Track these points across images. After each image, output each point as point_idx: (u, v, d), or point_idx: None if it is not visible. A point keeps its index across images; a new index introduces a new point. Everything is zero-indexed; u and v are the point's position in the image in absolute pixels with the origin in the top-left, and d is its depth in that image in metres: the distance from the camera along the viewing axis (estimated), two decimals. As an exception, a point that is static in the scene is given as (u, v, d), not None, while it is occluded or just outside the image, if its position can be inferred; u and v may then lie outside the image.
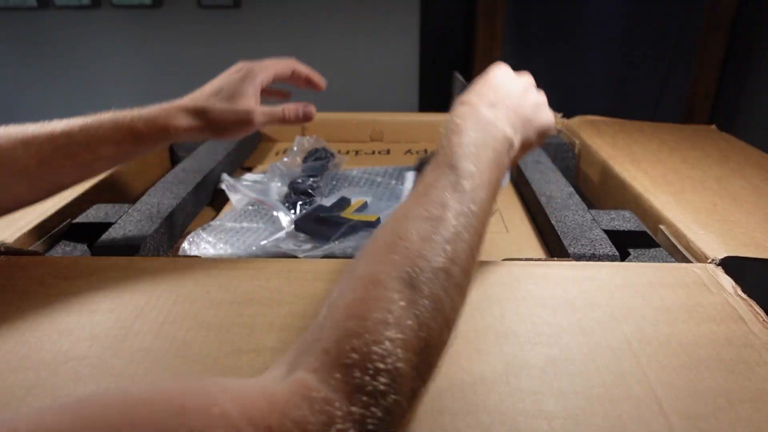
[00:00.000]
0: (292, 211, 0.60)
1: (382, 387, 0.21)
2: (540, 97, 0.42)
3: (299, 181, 0.66)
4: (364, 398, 0.21)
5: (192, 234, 0.55)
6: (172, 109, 0.46)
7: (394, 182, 0.70)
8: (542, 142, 0.43)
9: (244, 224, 0.59)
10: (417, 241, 0.27)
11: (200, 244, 0.54)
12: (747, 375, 0.32)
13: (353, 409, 0.20)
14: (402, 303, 0.24)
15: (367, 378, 0.21)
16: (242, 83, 0.48)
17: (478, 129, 0.35)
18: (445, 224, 0.28)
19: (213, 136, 0.48)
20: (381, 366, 0.22)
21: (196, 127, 0.46)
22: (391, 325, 0.23)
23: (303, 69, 0.56)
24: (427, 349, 0.24)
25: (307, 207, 0.61)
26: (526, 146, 0.40)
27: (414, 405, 0.24)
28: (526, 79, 0.42)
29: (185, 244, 0.54)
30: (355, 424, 0.20)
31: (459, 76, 0.53)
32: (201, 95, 0.48)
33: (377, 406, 0.21)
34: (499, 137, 0.35)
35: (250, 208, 0.62)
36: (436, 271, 0.26)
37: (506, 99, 0.38)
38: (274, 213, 0.59)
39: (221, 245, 0.54)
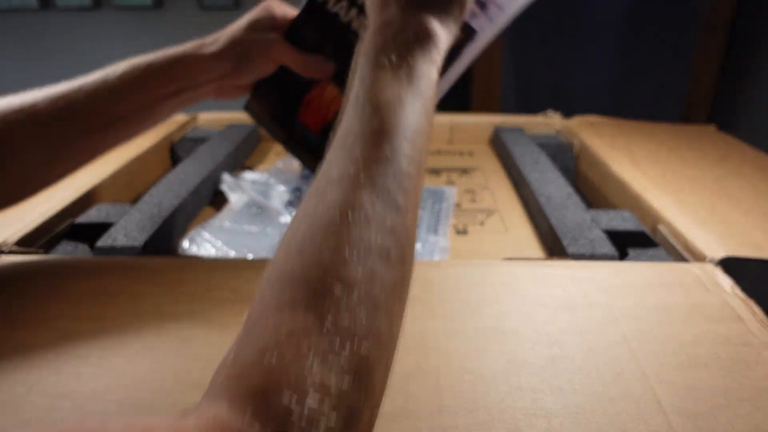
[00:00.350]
0: None
1: (311, 406, 0.17)
2: None
3: (304, 189, 0.66)
4: (290, 422, 0.17)
5: (191, 232, 0.55)
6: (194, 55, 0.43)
7: None
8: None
9: (247, 227, 0.59)
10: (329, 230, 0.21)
11: (201, 243, 0.55)
12: (745, 373, 0.32)
13: None
14: (312, 302, 0.19)
15: (290, 400, 0.17)
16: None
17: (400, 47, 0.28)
18: (378, 193, 0.22)
19: (236, 77, 0.44)
20: (303, 383, 0.17)
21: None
22: (308, 333, 0.19)
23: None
24: (357, 353, 0.19)
25: None
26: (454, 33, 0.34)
27: (361, 427, 0.19)
28: None
29: (185, 243, 0.54)
30: None
31: None
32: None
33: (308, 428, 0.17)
34: (431, 55, 0.29)
35: (253, 210, 0.63)
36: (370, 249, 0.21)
37: None
38: (281, 220, 0.59)
39: (224, 247, 0.54)
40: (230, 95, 0.47)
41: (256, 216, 0.61)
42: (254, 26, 0.44)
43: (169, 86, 0.43)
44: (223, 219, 0.60)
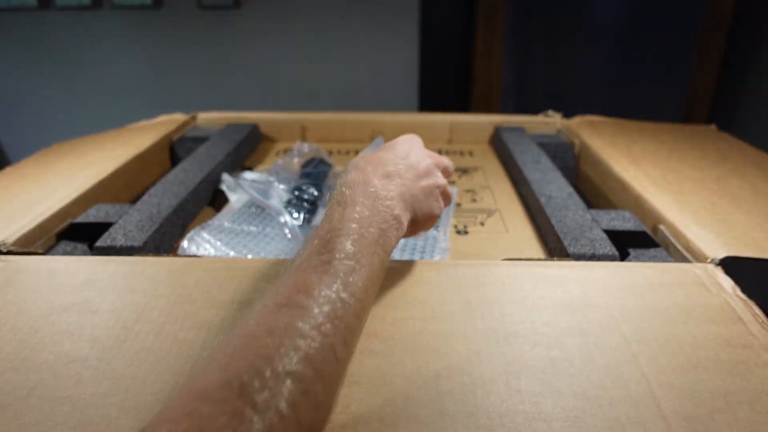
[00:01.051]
0: (296, 216, 0.61)
1: None
2: (439, 181, 0.39)
3: (303, 188, 0.66)
4: None
5: (192, 232, 0.55)
6: None
7: None
8: (428, 228, 0.39)
9: (246, 227, 0.59)
10: (265, 337, 0.22)
11: (201, 243, 0.54)
12: (745, 376, 0.32)
13: None
14: (223, 419, 0.19)
15: None
16: None
17: (367, 204, 0.31)
18: (306, 316, 0.23)
19: None
20: None
21: None
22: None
23: None
24: None
25: (310, 215, 0.61)
26: (414, 228, 0.37)
27: None
28: (435, 160, 0.40)
29: (184, 243, 0.54)
30: None
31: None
32: None
33: None
34: (387, 216, 0.32)
35: (252, 210, 0.62)
36: (280, 378, 0.21)
37: (405, 173, 0.35)
38: (281, 219, 0.59)
39: (223, 247, 0.54)
40: None
41: (256, 216, 0.61)
42: None
43: None
44: (223, 219, 0.60)
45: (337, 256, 0.27)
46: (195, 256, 0.52)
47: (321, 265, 0.26)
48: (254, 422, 0.19)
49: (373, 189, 0.32)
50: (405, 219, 0.34)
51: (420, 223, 0.37)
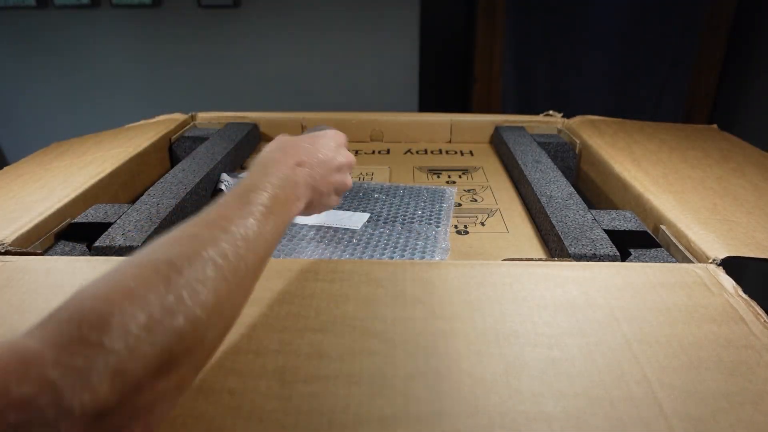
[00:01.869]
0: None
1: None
2: (347, 181, 0.48)
3: None
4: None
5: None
6: None
7: (385, 197, 0.69)
8: (339, 195, 0.48)
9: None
10: (196, 234, 0.29)
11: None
12: (748, 376, 0.32)
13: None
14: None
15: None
16: None
17: (280, 176, 0.38)
18: (225, 232, 0.30)
19: None
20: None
21: None
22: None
23: None
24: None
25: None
26: (316, 203, 0.44)
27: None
28: (349, 160, 0.48)
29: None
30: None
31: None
32: None
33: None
34: (290, 194, 0.39)
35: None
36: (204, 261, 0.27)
37: (316, 167, 0.43)
38: None
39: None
40: None
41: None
42: None
43: None
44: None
45: (253, 202, 0.34)
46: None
47: (241, 206, 0.33)
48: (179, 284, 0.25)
49: (286, 170, 0.39)
50: (302, 203, 0.41)
51: (313, 208, 0.45)
